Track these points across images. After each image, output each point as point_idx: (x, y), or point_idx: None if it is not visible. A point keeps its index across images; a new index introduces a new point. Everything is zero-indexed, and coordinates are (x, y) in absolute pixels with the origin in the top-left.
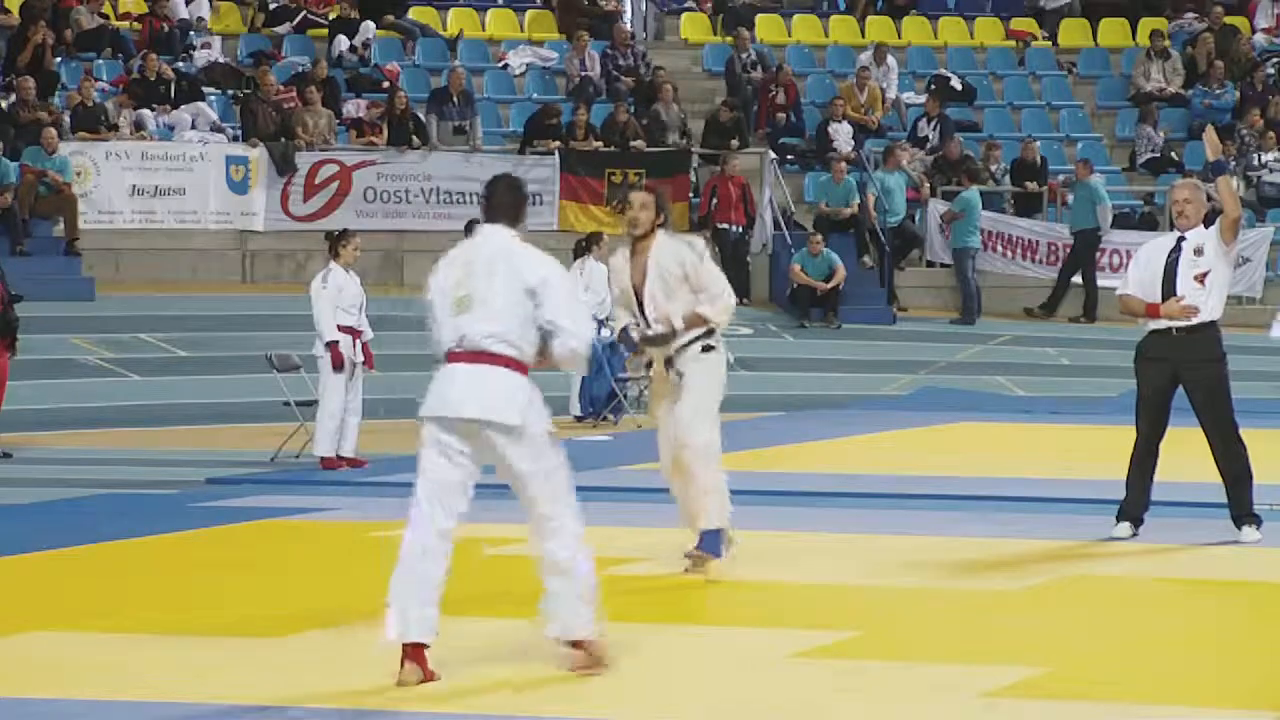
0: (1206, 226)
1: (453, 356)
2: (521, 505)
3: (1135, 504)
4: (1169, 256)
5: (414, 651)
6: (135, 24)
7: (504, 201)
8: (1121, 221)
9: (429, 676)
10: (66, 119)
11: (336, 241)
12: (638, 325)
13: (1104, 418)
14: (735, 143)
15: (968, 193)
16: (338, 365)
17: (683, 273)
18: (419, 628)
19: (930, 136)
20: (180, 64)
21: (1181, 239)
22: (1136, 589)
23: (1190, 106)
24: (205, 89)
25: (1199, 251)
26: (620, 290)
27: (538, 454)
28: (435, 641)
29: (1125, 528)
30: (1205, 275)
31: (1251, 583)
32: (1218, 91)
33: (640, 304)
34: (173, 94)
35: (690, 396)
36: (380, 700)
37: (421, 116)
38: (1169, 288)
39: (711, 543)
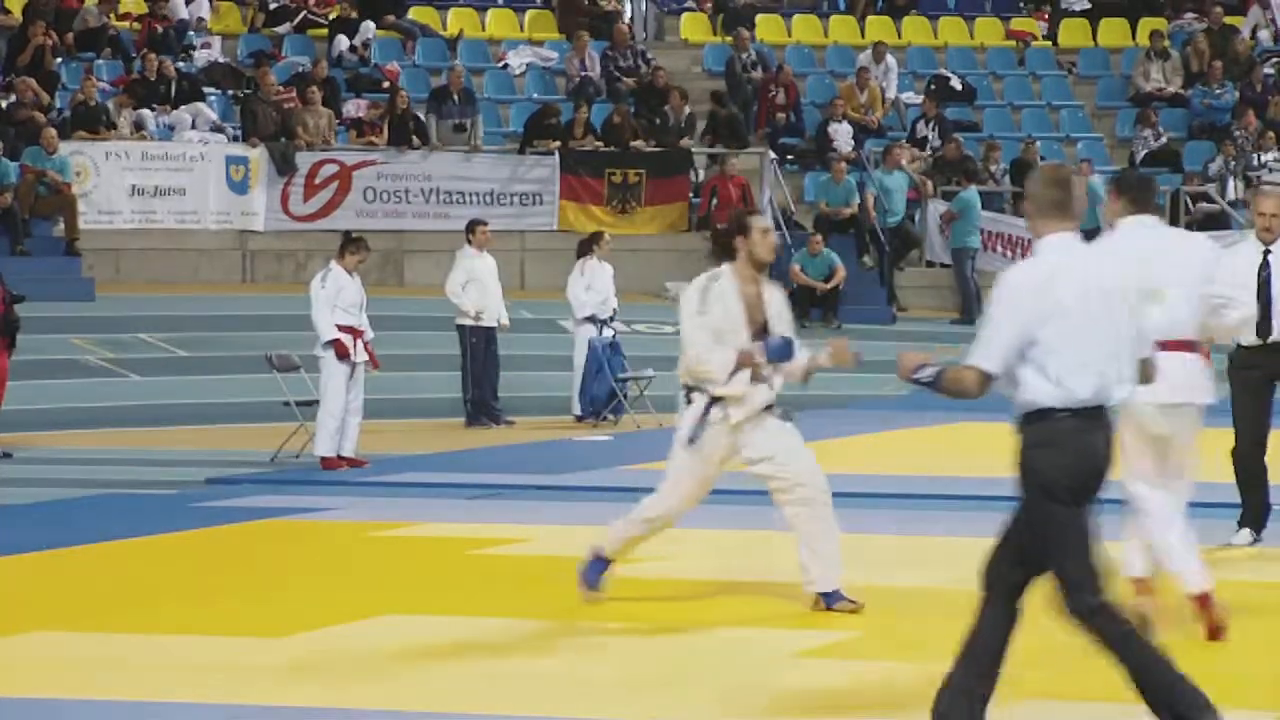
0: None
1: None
2: None
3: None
4: (1260, 273)
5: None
6: (135, 24)
7: None
8: None
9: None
10: (66, 119)
11: (345, 245)
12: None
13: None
14: (710, 138)
15: (966, 193)
16: (342, 355)
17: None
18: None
19: (929, 137)
20: (180, 64)
21: (1268, 252)
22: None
23: (1190, 106)
24: (205, 89)
25: None
26: (732, 323)
27: None
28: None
29: (1246, 534)
30: None
31: (1251, 583)
32: (1218, 91)
33: (760, 337)
34: (173, 94)
35: (800, 440)
36: (380, 700)
37: (421, 117)
38: (1267, 306)
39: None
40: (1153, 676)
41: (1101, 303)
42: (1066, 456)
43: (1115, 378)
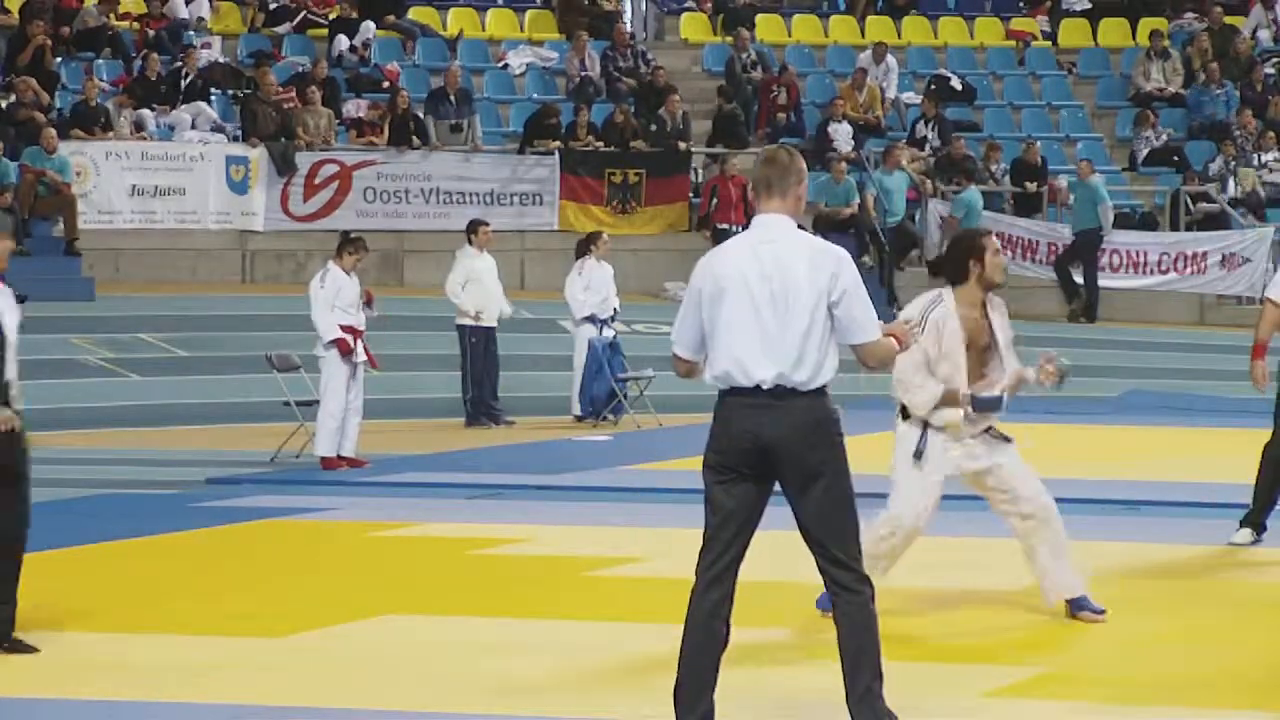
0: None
1: None
2: None
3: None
4: None
5: None
6: (135, 24)
7: None
8: (1122, 221)
9: None
10: (65, 119)
11: (343, 245)
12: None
13: (1103, 418)
14: (710, 137)
15: (967, 194)
16: (345, 352)
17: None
18: None
19: (929, 137)
20: (180, 64)
21: None
22: (1136, 589)
23: (1189, 106)
24: (209, 89)
25: None
26: (948, 351)
27: None
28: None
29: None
30: None
31: (1251, 583)
32: (1216, 92)
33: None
34: (181, 91)
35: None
36: (380, 700)
37: (421, 117)
38: None
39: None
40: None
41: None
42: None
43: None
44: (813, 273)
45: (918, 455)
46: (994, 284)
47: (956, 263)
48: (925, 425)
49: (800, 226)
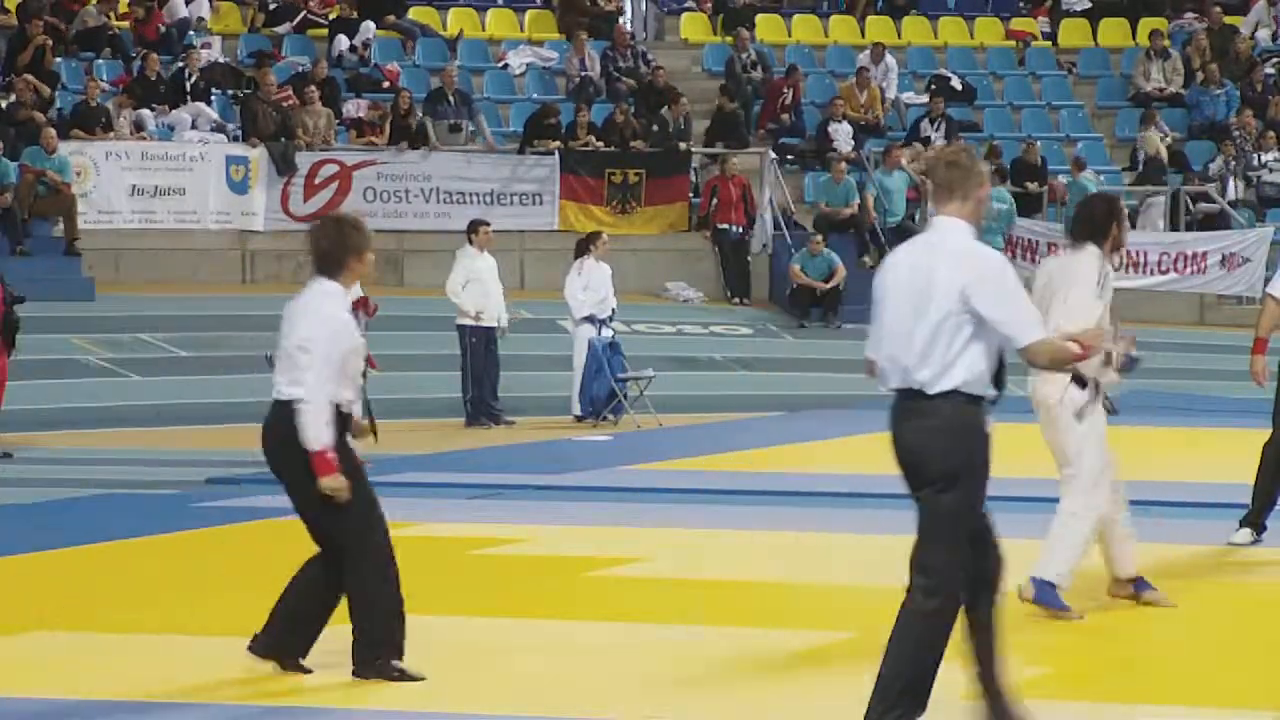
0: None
1: None
2: None
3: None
4: None
5: None
6: (135, 25)
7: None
8: None
9: None
10: (65, 119)
11: None
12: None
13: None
14: (709, 136)
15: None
16: None
17: None
18: None
19: (932, 137)
20: (180, 64)
21: None
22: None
23: (1188, 106)
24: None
25: None
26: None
27: None
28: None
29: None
30: None
31: (1250, 583)
32: (1216, 92)
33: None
34: (184, 91)
35: None
36: (380, 700)
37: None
38: None
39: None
40: None
41: None
42: None
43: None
44: (952, 274)
45: (1079, 416)
46: (1120, 247)
47: (1101, 223)
48: (1086, 384)
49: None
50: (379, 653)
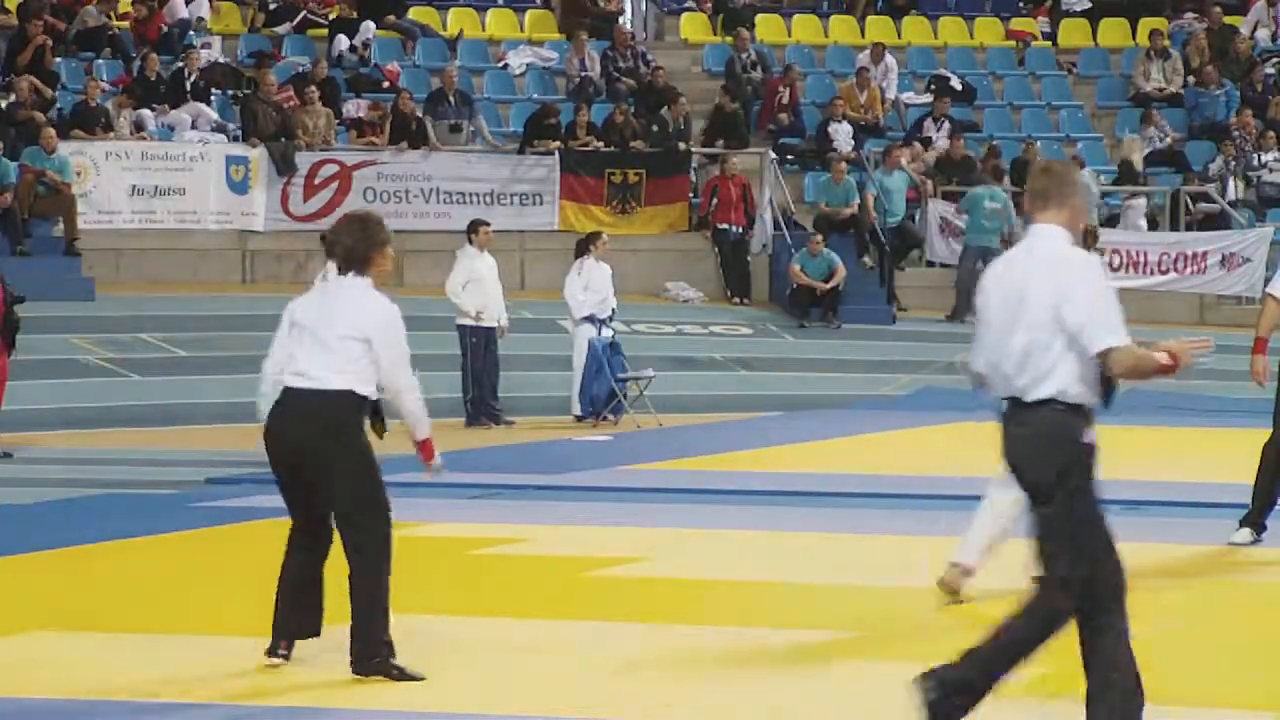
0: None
1: None
2: None
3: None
4: None
5: None
6: (135, 24)
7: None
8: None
9: None
10: (65, 119)
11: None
12: None
13: (1103, 417)
14: (721, 141)
15: (974, 191)
16: None
17: None
18: None
19: (934, 136)
20: (180, 64)
21: None
22: (1135, 589)
23: (1186, 106)
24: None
25: None
26: None
27: None
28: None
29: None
30: None
31: (1251, 583)
32: (1216, 93)
33: None
34: (187, 90)
35: None
36: (380, 700)
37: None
38: None
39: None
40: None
41: None
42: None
43: None
44: (1044, 283)
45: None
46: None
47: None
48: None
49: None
50: (380, 652)
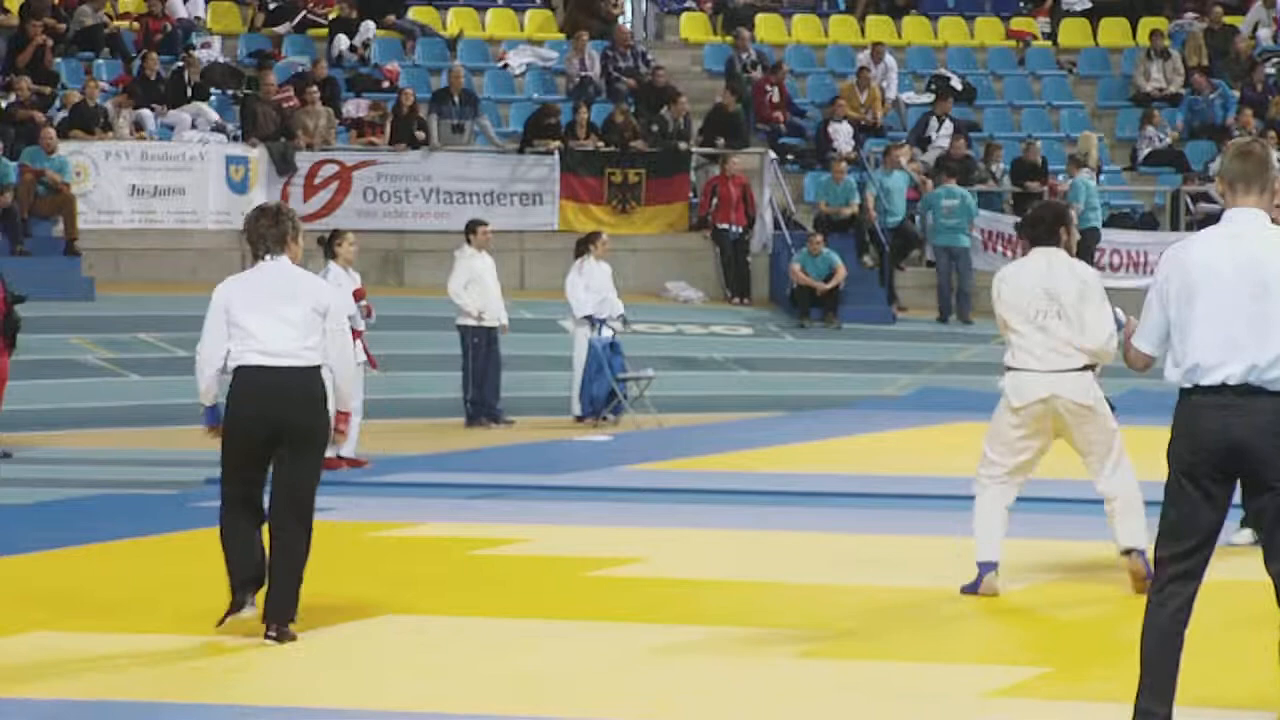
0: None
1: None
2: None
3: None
4: None
5: None
6: (135, 24)
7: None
8: (1121, 221)
9: None
10: (63, 118)
11: (331, 242)
12: None
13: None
14: (722, 140)
15: (928, 193)
16: None
17: None
18: None
19: (933, 136)
20: (180, 64)
21: None
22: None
23: (1185, 106)
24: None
25: None
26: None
27: None
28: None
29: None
30: None
31: (1251, 583)
32: (1212, 95)
33: None
34: (187, 90)
35: None
36: (380, 700)
37: (424, 117)
38: None
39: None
40: None
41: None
42: (1177, 436)
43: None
44: None
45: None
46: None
47: (1047, 227)
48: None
49: (1275, 222)
50: (294, 615)
